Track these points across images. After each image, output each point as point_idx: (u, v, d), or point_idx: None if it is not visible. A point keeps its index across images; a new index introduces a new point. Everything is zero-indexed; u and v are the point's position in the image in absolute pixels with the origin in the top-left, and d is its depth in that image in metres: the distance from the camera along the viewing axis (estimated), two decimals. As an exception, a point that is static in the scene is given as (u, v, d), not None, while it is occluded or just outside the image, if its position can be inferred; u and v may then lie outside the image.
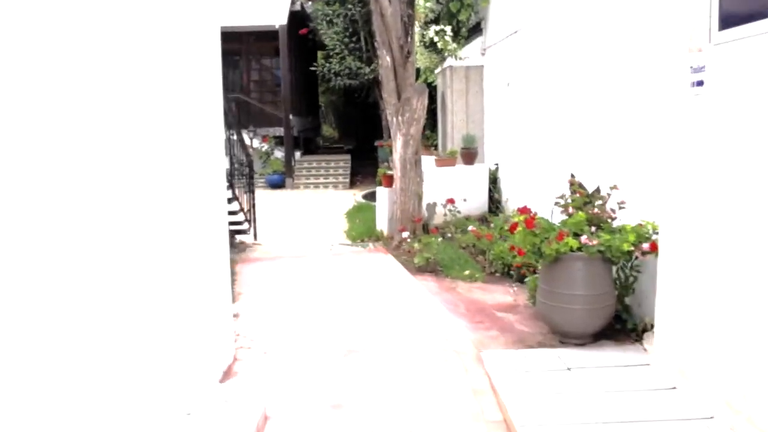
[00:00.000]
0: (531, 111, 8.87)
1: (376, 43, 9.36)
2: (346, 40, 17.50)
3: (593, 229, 5.18)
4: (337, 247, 9.39)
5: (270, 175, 17.66)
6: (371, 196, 13.96)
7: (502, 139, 10.80)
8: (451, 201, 9.72)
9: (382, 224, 9.95)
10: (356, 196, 14.42)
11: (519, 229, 5.19)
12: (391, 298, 6.55)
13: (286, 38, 17.86)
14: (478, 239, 8.22)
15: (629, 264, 5.22)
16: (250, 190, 9.84)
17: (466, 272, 7.40)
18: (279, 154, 18.50)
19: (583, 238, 4.92)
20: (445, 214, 9.84)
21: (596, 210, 5.31)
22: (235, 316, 5.70)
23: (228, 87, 21.15)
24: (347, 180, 17.69)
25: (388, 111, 9.08)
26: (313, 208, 13.84)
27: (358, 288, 6.98)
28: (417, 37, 11.84)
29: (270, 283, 7.29)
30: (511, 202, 10.28)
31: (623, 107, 5.83)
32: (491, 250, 7.76)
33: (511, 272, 7.28)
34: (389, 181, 9.93)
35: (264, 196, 16.04)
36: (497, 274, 7.47)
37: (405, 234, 8.80)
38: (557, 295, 5.08)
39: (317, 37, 19.58)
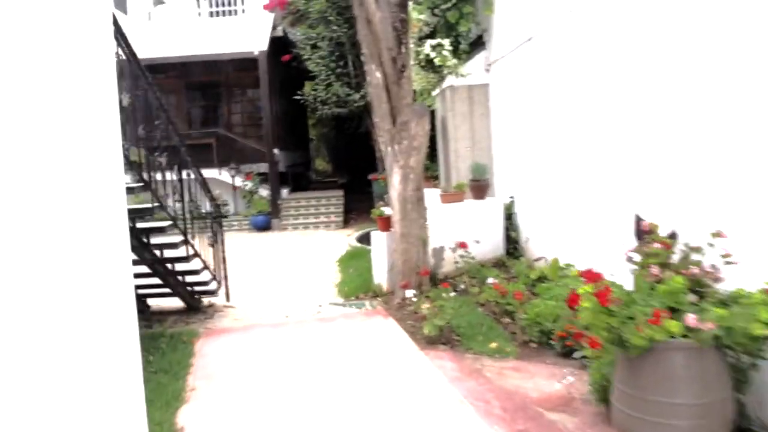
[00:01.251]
0: (558, 131, 7.21)
1: (363, 57, 7.74)
2: (333, 64, 15.94)
3: (691, 297, 3.46)
4: (327, 308, 7.64)
5: (255, 217, 15.96)
6: (367, 238, 12.25)
7: (517, 167, 9.14)
8: (463, 245, 8.01)
9: (380, 276, 8.23)
10: (350, 237, 12.70)
11: (586, 305, 3.45)
12: (396, 393, 4.79)
13: (266, 66, 16.30)
14: (503, 296, 6.50)
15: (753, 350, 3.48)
16: (217, 241, 8.11)
17: (493, 345, 5.66)
18: (265, 192, 16.82)
19: (690, 319, 3.19)
20: (456, 261, 8.14)
21: (694, 269, 3.60)
22: (174, 439, 3.96)
23: (209, 121, 19.62)
24: (340, 218, 15.99)
25: (381, 139, 7.42)
26: (300, 254, 12.11)
27: (352, 375, 5.21)
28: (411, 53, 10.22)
29: (236, 369, 5.53)
30: (533, 242, 8.58)
31: (710, 116, 4.14)
32: (522, 311, 6.04)
33: (552, 341, 5.56)
34: (386, 223, 8.23)
35: (247, 240, 14.34)
36: (533, 345, 5.74)
37: (409, 293, 7.07)
38: (648, 403, 3.36)
39: (302, 65, 18.04)
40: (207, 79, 19.38)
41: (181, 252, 6.61)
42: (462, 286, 7.85)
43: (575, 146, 6.71)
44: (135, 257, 6.53)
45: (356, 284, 8.47)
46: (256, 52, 16.36)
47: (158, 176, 6.44)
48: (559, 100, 7.15)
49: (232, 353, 5.97)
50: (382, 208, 8.62)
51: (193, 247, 6.92)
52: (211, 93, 19.70)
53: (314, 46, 16.18)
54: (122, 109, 5.54)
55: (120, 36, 5.12)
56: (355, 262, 9.81)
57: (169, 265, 6.88)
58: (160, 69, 19.36)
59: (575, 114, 6.69)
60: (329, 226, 15.76)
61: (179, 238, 6.57)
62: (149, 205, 5.87)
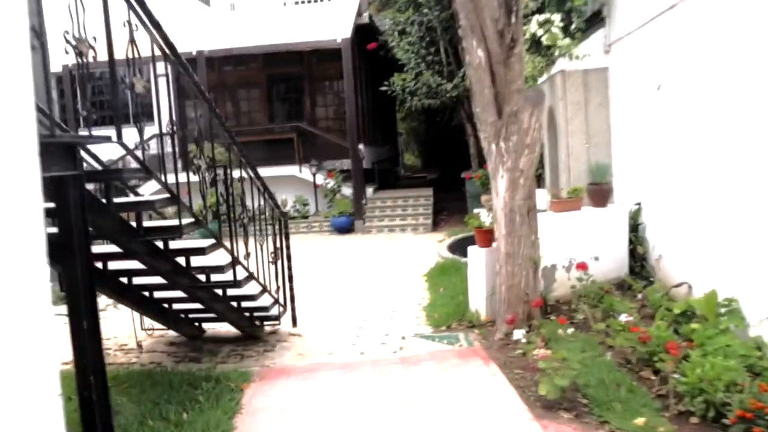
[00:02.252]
0: (714, 121, 5.49)
1: (460, 31, 6.22)
2: (422, 51, 14.47)
3: None
4: (412, 342, 6.22)
5: (336, 218, 14.72)
6: (460, 248, 10.75)
7: (647, 167, 7.44)
8: (582, 266, 6.40)
9: (477, 300, 6.72)
10: (441, 245, 11.19)
11: None
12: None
13: (350, 55, 15.02)
14: (644, 342, 4.88)
15: None
16: (281, 257, 6.83)
17: (639, 420, 4.07)
18: (348, 191, 15.57)
19: None
20: (573, 285, 6.55)
21: None
22: None
23: (291, 115, 18.57)
24: (429, 221, 14.53)
25: (483, 135, 5.90)
26: (383, 262, 10.74)
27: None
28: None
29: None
30: (670, 261, 6.87)
31: None
32: (675, 367, 4.43)
33: (726, 420, 3.93)
34: (486, 238, 6.71)
35: (326, 244, 13.10)
36: (693, 420, 4.12)
37: (517, 334, 5.55)
38: None
39: (390, 54, 16.67)
40: (289, 71, 18.31)
41: (229, 276, 5.33)
42: (580, 317, 6.28)
43: (745, 135, 5.00)
44: (169, 281, 5.30)
45: (448, 309, 6.99)
46: (339, 40, 15.09)
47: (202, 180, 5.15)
48: (714, 81, 5.43)
49: (288, 412, 4.62)
50: (482, 219, 7.11)
51: (246, 269, 5.62)
52: (294, 85, 18.64)
53: (402, 32, 14.76)
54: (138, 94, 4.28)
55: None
56: (447, 279, 8.32)
57: (218, 290, 5.61)
58: (241, 60, 18.48)
59: (741, 96, 4.97)
60: (417, 229, 14.32)
61: (226, 259, 5.28)
62: (174, 223, 4.58)
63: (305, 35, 15.35)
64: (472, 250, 6.86)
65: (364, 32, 16.31)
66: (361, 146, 15.43)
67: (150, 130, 6.07)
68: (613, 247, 7.41)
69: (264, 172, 15.19)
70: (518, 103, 5.54)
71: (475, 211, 14.22)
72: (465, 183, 15.20)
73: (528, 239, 5.90)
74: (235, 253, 5.28)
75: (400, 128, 32.28)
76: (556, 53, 8.85)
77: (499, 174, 5.74)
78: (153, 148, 17.79)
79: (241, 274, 5.58)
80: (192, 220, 4.73)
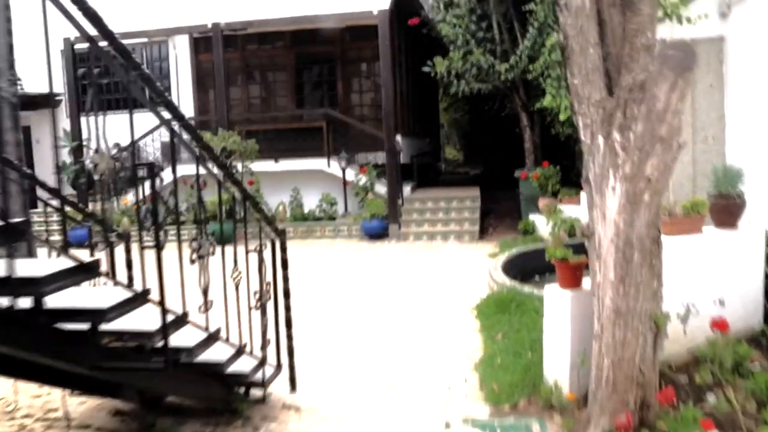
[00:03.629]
0: None
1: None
2: (472, 27, 12.28)
3: None
4: (460, 434, 4.11)
5: (367, 221, 12.63)
6: (518, 267, 8.62)
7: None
8: (721, 326, 4.23)
9: (556, 367, 4.56)
10: (493, 264, 8.93)
11: None
12: None
13: (388, 31, 12.88)
14: None
15: None
16: (277, 293, 4.77)
17: None
18: (382, 189, 13.47)
19: None
20: (693, 345, 4.37)
21: None
22: None
23: (321, 101, 16.53)
24: (476, 227, 12.32)
25: (583, 120, 3.70)
26: (422, 284, 8.62)
27: None
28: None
29: None
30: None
31: None
32: None
33: None
34: (574, 276, 4.55)
35: (352, 254, 11.04)
36: None
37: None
38: None
39: (433, 32, 14.51)
40: (320, 51, 16.26)
41: (181, 340, 3.30)
42: (711, 398, 4.15)
43: None
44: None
45: (512, 375, 4.83)
46: (375, 12, 12.94)
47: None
48: None
49: None
50: (539, 227, 4.93)
51: (205, 327, 3.57)
52: (325, 68, 16.57)
53: (449, 5, 12.60)
54: None
55: None
56: (506, 320, 6.14)
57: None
58: (266, 39, 16.49)
59: None
60: (462, 237, 12.14)
61: (169, 316, 3.25)
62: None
63: (336, 5, 13.23)
64: (551, 291, 4.70)
65: (404, 6, 14.15)
66: (398, 138, 13.31)
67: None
68: (743, 285, 5.21)
69: (288, 165, 13.17)
70: (647, 67, 3.36)
71: (531, 217, 12.02)
72: (518, 183, 13.01)
73: (649, 288, 3.73)
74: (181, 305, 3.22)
75: (441, 119, 30.03)
76: (659, 13, 6.60)
77: (609, 184, 3.57)
78: (163, 135, 15.97)
79: (192, 336, 3.53)
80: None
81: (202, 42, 15.70)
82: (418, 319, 6.92)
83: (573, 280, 4.53)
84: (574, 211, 10.92)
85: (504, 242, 11.21)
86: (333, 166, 13.82)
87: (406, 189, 13.79)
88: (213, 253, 3.75)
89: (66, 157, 17.33)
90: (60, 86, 18.52)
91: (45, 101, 17.73)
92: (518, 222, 13.13)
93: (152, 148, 15.54)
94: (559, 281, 4.64)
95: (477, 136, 28.13)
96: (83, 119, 18.31)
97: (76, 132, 14.64)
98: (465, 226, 12.36)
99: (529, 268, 9.24)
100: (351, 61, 16.16)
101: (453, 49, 12.36)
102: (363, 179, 13.54)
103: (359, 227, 12.91)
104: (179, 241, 3.51)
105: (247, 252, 4.15)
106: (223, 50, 16.62)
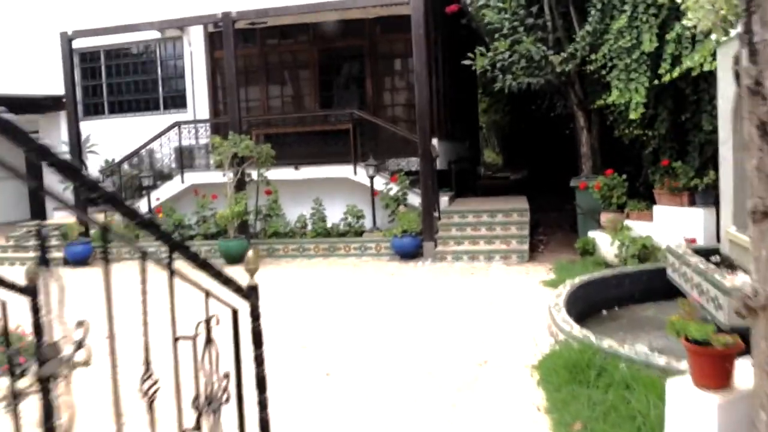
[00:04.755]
0: None
1: None
2: (521, 12, 10.52)
3: None
4: None
5: (398, 238, 10.93)
6: (588, 303, 6.88)
7: None
8: None
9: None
10: (553, 299, 7.11)
11: None
12: None
13: (422, 19, 11.17)
14: None
15: None
16: (241, 392, 3.05)
17: None
18: (416, 200, 11.79)
19: None
20: None
21: None
22: None
23: (348, 101, 14.88)
24: (525, 246, 10.52)
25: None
26: (463, 326, 6.88)
27: None
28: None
29: None
30: None
31: None
32: None
33: None
34: (722, 370, 2.79)
35: (380, 280, 9.37)
36: None
37: None
38: None
39: (473, 24, 12.80)
40: (346, 45, 14.63)
41: None
42: None
43: None
44: None
45: None
46: (408, -2, 11.24)
47: None
48: None
49: None
50: (601, 249, 3.15)
51: None
52: (351, 64, 14.94)
53: (493, -12, 10.85)
54: None
55: None
56: (585, 398, 4.36)
57: None
58: (288, 33, 14.93)
59: None
60: (509, 257, 10.37)
61: None
62: None
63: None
64: (680, 390, 2.95)
65: (441, -8, 12.47)
66: (434, 141, 11.59)
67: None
68: None
69: (310, 172, 11.52)
70: None
71: (590, 234, 10.20)
72: (573, 193, 11.23)
73: None
74: None
75: (480, 121, 28.22)
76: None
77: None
78: (173, 140, 14.49)
79: None
80: None
81: (217, 38, 14.20)
82: (460, 382, 5.19)
83: (720, 377, 2.79)
84: (645, 228, 9.08)
85: (560, 265, 9.43)
86: (360, 174, 12.18)
87: (443, 200, 12.07)
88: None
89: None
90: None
91: (54, 104, 16.47)
92: (573, 237, 11.34)
93: (161, 154, 14.09)
94: (695, 376, 2.90)
95: (518, 139, 26.28)
96: (89, 123, 17.00)
97: (74, 136, 13.21)
98: (512, 244, 10.58)
99: (596, 300, 7.52)
100: (382, 56, 14.50)
101: (497, 38, 10.61)
102: (394, 189, 11.86)
103: (389, 245, 11.23)
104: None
105: (175, 340, 2.43)
106: (240, 46, 15.13)
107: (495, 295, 8.12)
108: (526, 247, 10.47)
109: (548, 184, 18.08)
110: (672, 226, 8.59)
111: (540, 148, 21.14)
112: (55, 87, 16.33)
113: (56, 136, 16.24)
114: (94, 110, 17.19)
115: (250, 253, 2.97)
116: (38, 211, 17.96)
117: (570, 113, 11.79)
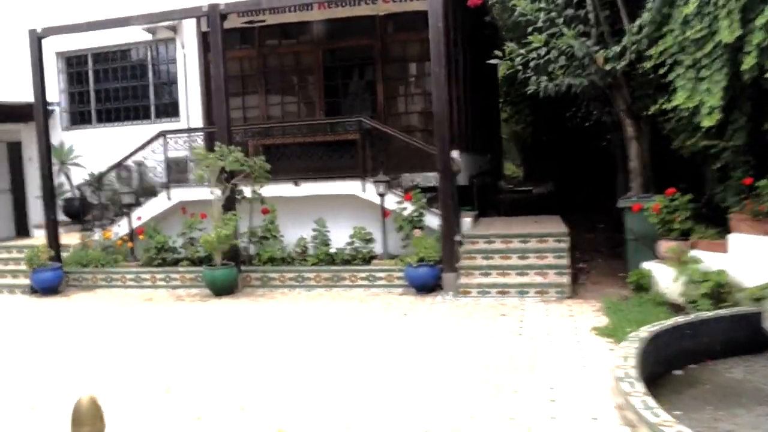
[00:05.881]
0: None
1: None
2: (559, 0, 8.89)
3: None
4: None
5: (413, 267, 9.26)
6: (654, 360, 5.23)
7: None
8: None
9: None
10: (617, 359, 5.43)
11: None
12: None
13: (440, 14, 9.54)
14: None
15: None
16: None
17: None
18: (433, 221, 10.13)
19: None
20: None
21: None
22: None
23: (355, 107, 13.15)
24: (565, 278, 8.78)
25: None
26: (492, 397, 5.21)
27: None
28: None
29: None
30: None
31: None
32: None
33: None
34: None
35: (393, 323, 7.71)
36: None
37: None
38: None
39: (502, 19, 11.17)
40: (354, 45, 13.03)
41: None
42: None
43: None
44: None
45: None
46: (425, -12, 9.61)
47: None
48: None
49: None
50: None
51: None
52: (360, 66, 13.33)
53: (525, -26, 9.20)
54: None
55: None
56: None
57: None
58: (289, 32, 13.38)
59: None
60: (546, 292, 8.66)
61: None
62: None
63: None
64: None
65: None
66: (454, 154, 9.91)
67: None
68: None
69: (312, 188, 9.85)
70: None
71: (645, 265, 8.50)
72: (611, 210, 9.54)
73: None
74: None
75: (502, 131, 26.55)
76: None
77: None
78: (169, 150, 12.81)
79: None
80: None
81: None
82: None
83: None
84: (718, 261, 7.35)
85: (610, 304, 7.73)
86: (369, 191, 10.55)
87: (466, 221, 10.39)
88: None
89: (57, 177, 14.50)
90: (55, 94, 15.76)
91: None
92: (617, 264, 9.73)
93: (151, 167, 12.52)
94: None
95: (542, 151, 24.55)
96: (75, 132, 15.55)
97: (43, 147, 11.69)
98: (550, 275, 8.87)
99: (667, 355, 5.86)
100: (394, 58, 12.87)
101: (530, 33, 8.97)
102: (408, 208, 10.21)
103: (402, 275, 9.57)
104: None
105: None
106: (237, 47, 13.65)
107: (535, 349, 6.41)
108: (566, 279, 8.76)
109: (579, 200, 16.37)
110: (756, 259, 6.87)
111: (569, 160, 19.41)
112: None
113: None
114: (80, 119, 15.72)
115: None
116: (23, 230, 16.54)
117: (615, 121, 10.10)
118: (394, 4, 12.18)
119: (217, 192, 10.14)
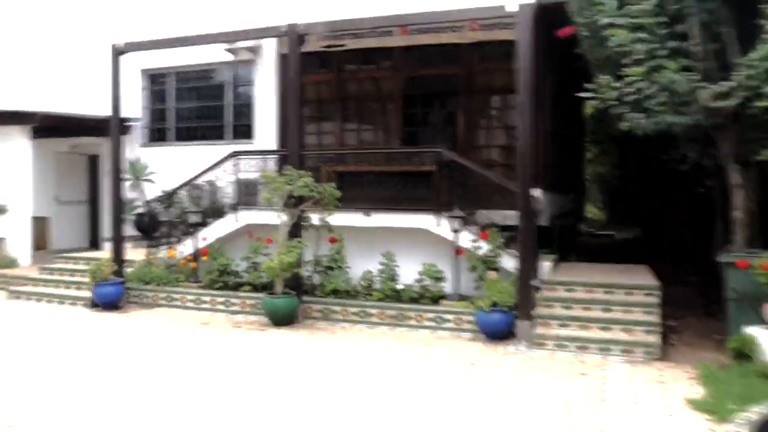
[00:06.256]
0: None
1: None
2: (662, 32, 8.12)
3: None
4: None
5: (485, 313, 8.55)
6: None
7: None
8: None
9: None
10: None
11: None
12: None
13: (530, 39, 8.91)
14: None
15: None
16: None
17: None
18: (509, 263, 9.42)
19: None
20: None
21: None
22: None
23: (434, 138, 12.54)
24: (653, 336, 7.85)
25: None
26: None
27: None
28: None
29: None
30: None
31: None
32: None
33: None
34: None
35: (460, 378, 6.99)
36: None
37: None
38: None
39: (592, 53, 10.45)
40: (436, 73, 12.51)
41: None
42: None
43: None
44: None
45: None
46: (511, 7, 8.98)
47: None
48: None
49: None
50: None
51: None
52: (441, 95, 12.78)
53: (624, 3, 8.49)
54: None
55: None
56: None
57: None
58: (370, 57, 13.02)
59: None
60: (631, 351, 7.78)
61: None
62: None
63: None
64: None
65: (549, 14, 10.16)
66: (536, 192, 9.20)
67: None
68: None
69: (383, 220, 9.26)
70: None
71: (748, 330, 7.53)
72: (706, 264, 8.60)
73: None
74: None
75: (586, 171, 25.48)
76: None
77: None
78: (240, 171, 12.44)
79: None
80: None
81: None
82: None
83: None
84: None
85: (708, 372, 6.82)
86: (443, 226, 9.94)
87: (545, 265, 9.62)
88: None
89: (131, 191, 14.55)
90: (137, 111, 15.90)
91: (120, 126, 15.12)
92: (713, 325, 8.77)
93: (222, 187, 12.27)
94: None
95: (628, 194, 23.33)
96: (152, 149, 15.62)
97: (115, 161, 11.60)
98: (636, 333, 7.99)
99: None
100: (478, 89, 12.26)
101: (626, 65, 8.23)
102: (483, 248, 9.54)
103: (474, 319, 8.87)
104: None
105: None
106: (315, 71, 13.37)
107: (621, 420, 5.60)
108: (655, 339, 7.85)
109: (669, 248, 15.23)
110: None
111: (659, 205, 18.22)
112: (124, 110, 15.02)
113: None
114: (158, 136, 15.78)
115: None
116: (95, 242, 16.67)
117: (717, 165, 9.17)
118: (481, 32, 11.60)
119: (284, 217, 9.73)
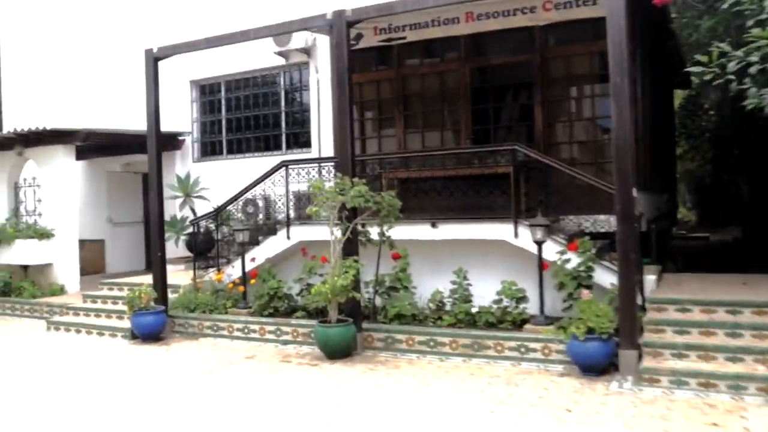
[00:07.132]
0: None
1: None
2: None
3: None
4: None
5: (578, 341, 7.03)
6: None
7: None
8: None
9: None
10: None
11: None
12: None
13: (622, 13, 7.36)
14: None
15: None
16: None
17: None
18: (606, 277, 7.89)
19: None
20: None
21: None
22: None
23: (508, 134, 10.79)
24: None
25: None
26: None
27: None
28: None
29: None
30: None
31: None
32: None
33: None
34: None
35: (545, 419, 5.49)
36: None
37: None
38: None
39: (689, 36, 8.84)
40: (507, 62, 11.05)
41: None
42: None
43: None
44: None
45: None
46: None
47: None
48: None
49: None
50: None
51: None
52: (514, 87, 11.33)
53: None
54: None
55: None
56: None
57: None
58: (433, 49, 11.69)
59: None
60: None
61: None
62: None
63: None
64: None
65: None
66: (634, 192, 7.61)
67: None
68: None
69: (453, 231, 7.69)
70: None
71: None
72: None
73: None
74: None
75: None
76: None
77: None
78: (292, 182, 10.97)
79: None
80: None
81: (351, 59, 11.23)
82: None
83: None
84: None
85: None
86: (523, 236, 8.48)
87: (650, 279, 8.03)
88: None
89: (179, 209, 13.66)
90: (187, 124, 15.06)
91: (170, 142, 14.31)
92: None
93: (273, 201, 11.14)
94: None
95: (724, 191, 21.20)
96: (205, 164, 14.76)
97: (154, 178, 10.59)
98: (776, 364, 6.34)
99: None
100: (555, 77, 10.73)
101: (747, 30, 6.62)
102: (573, 260, 8.02)
103: (564, 348, 7.36)
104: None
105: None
106: (374, 68, 12.16)
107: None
108: (801, 371, 6.19)
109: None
110: None
111: (763, 203, 16.17)
112: (174, 123, 14.19)
113: (170, 177, 13.88)
114: (211, 150, 14.89)
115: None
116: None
117: None
118: (557, 11, 10.11)
119: (337, 232, 8.47)
